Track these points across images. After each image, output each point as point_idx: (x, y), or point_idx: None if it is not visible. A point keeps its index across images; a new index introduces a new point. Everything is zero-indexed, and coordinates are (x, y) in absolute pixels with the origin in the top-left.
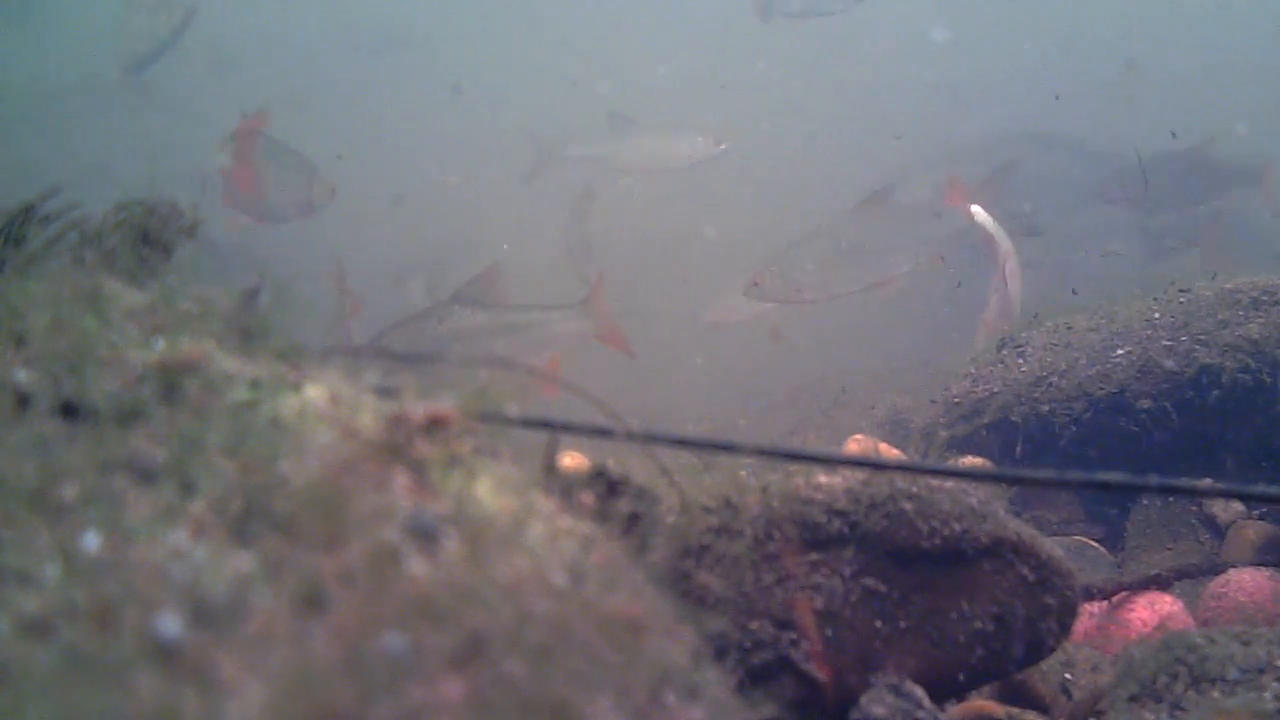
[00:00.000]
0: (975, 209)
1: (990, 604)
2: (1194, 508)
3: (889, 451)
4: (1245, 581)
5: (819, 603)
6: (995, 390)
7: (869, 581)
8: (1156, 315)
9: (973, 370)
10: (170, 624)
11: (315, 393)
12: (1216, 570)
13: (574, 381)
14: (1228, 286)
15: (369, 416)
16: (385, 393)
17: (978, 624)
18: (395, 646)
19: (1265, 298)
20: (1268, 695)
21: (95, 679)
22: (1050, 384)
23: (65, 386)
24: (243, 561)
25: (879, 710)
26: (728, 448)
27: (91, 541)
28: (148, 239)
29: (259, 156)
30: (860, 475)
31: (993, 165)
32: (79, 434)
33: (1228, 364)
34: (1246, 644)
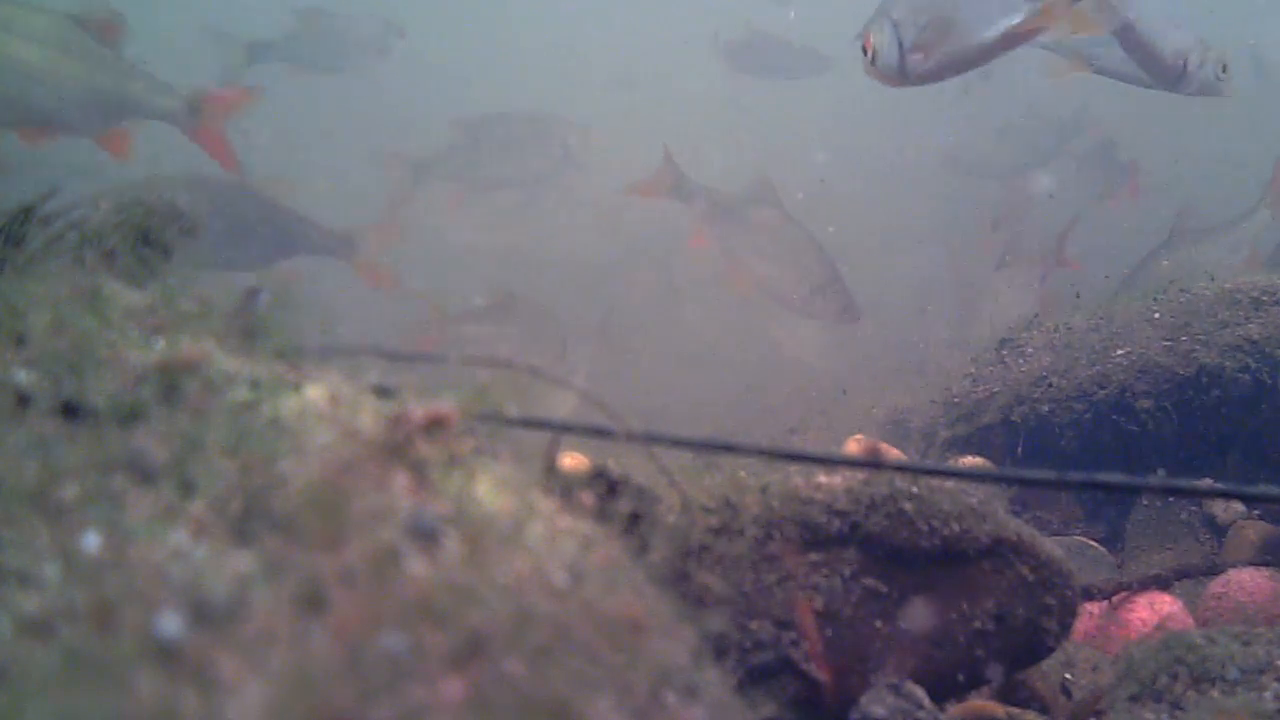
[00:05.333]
0: None
1: (990, 604)
2: (1194, 508)
3: (889, 451)
4: (1245, 581)
5: (819, 603)
6: (995, 390)
7: (869, 581)
8: (1156, 315)
9: (973, 370)
10: (170, 624)
11: (315, 393)
12: (1216, 570)
13: (573, 382)
14: (1228, 286)
15: (369, 416)
16: (385, 393)
17: (978, 624)
18: (395, 646)
19: (1265, 298)
20: (1268, 695)
21: (95, 679)
22: (1050, 384)
23: (65, 386)
24: (243, 561)
25: (879, 710)
26: (728, 448)
27: (91, 541)
28: (148, 239)
29: None
30: (860, 475)
31: None
32: (79, 434)
33: (1228, 364)
34: (1246, 644)
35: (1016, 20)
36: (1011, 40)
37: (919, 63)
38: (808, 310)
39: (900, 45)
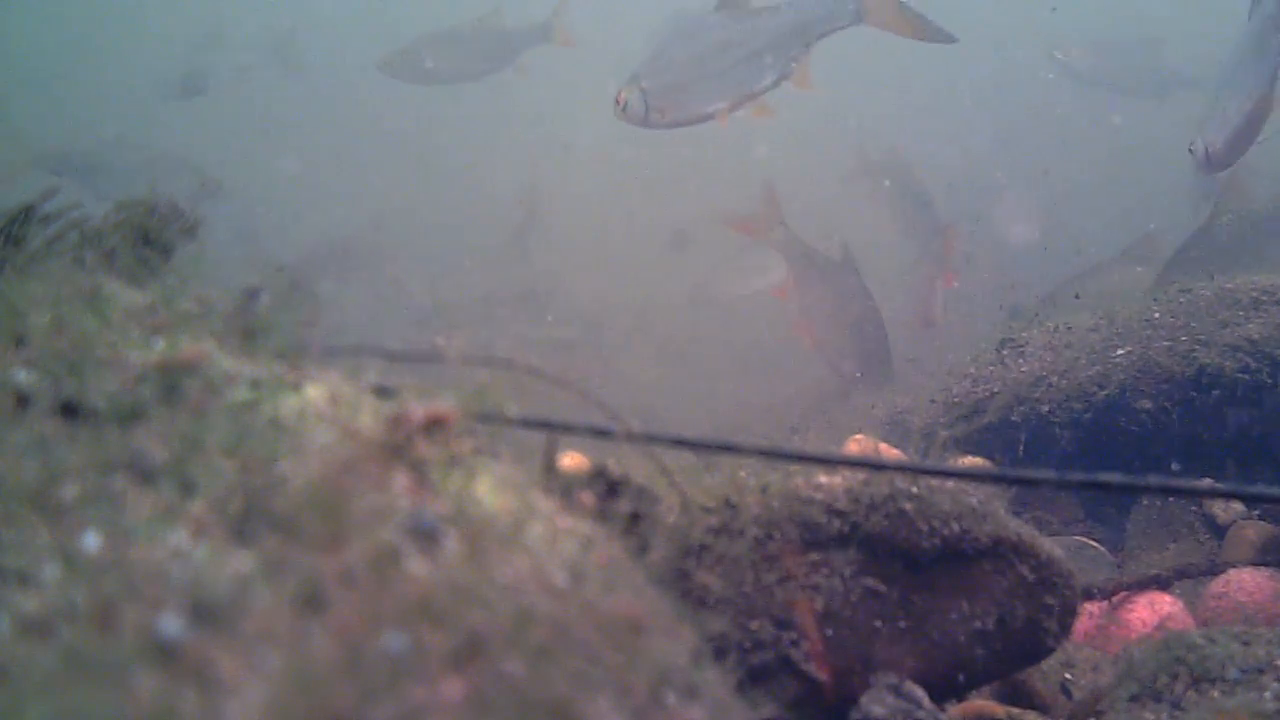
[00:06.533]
0: None
1: (990, 604)
2: (1194, 508)
3: (889, 451)
4: (1245, 581)
5: (819, 603)
6: (995, 390)
7: (869, 581)
8: (1156, 315)
9: (973, 370)
10: (170, 624)
11: (315, 393)
12: (1216, 570)
13: (575, 382)
14: (1228, 286)
15: (369, 416)
16: (385, 393)
17: (978, 624)
18: (395, 646)
19: (1265, 298)
20: (1268, 695)
21: (95, 679)
22: (1050, 384)
23: (65, 386)
24: (243, 561)
25: (879, 710)
26: (728, 448)
27: (91, 541)
28: (148, 239)
29: None
30: (860, 475)
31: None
32: (79, 434)
33: (1228, 364)
34: (1246, 644)
35: (724, 106)
36: (735, 106)
37: (658, 119)
38: (847, 377)
39: (646, 104)
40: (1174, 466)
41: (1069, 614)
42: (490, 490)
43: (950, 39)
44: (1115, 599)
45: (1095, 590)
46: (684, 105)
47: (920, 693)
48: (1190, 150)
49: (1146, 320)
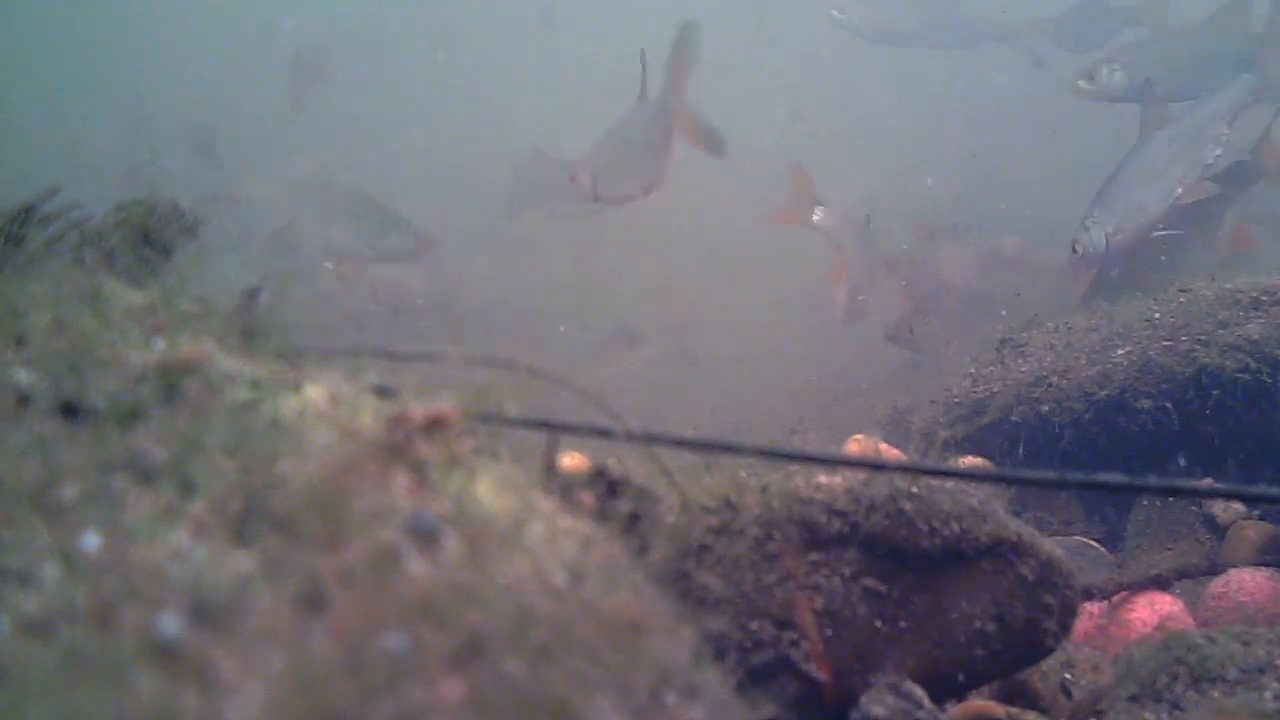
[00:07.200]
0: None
1: (990, 604)
2: (1194, 508)
3: (889, 451)
4: (1245, 581)
5: (819, 603)
6: (995, 390)
7: (869, 581)
8: (1156, 315)
9: (973, 370)
10: (170, 624)
11: (315, 393)
12: (1216, 570)
13: (575, 382)
14: (1228, 286)
15: (369, 416)
16: (385, 393)
17: (978, 624)
18: (395, 646)
19: (1265, 298)
20: (1268, 695)
21: (95, 679)
22: (1050, 384)
23: (65, 386)
24: (243, 561)
25: (879, 710)
26: (728, 448)
27: (91, 541)
28: (148, 239)
29: None
30: (860, 475)
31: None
32: (79, 434)
33: (1228, 364)
34: (1246, 644)
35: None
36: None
37: (604, 194)
38: (915, 349)
39: (593, 183)
40: (1181, 462)
41: (1069, 614)
42: (490, 490)
43: (722, 152)
44: (1115, 599)
45: (1095, 590)
46: (614, 186)
47: (920, 693)
48: (1079, 241)
49: (1146, 320)
